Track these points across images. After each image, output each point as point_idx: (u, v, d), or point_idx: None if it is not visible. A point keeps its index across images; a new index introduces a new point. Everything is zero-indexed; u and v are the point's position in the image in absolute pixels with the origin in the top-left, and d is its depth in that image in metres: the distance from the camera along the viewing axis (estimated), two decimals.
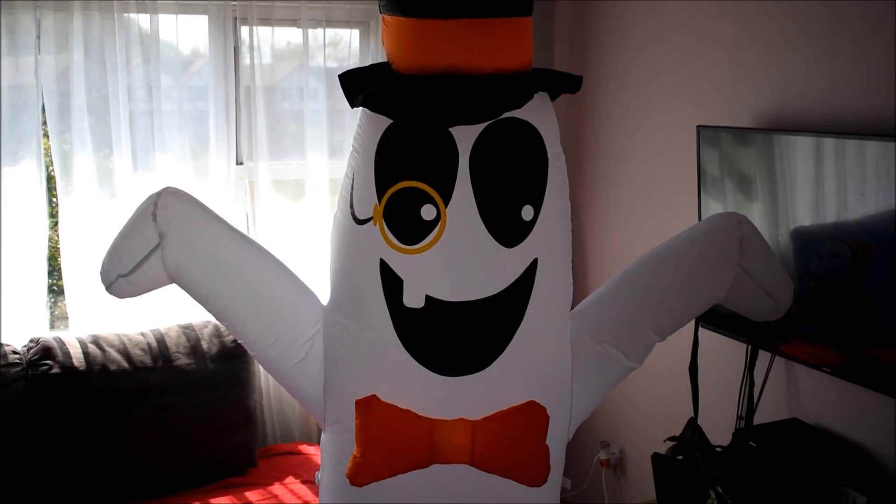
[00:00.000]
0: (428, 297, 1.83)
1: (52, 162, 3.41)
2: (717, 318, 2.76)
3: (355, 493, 1.94)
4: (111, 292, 1.99)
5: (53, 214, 3.52)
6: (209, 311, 1.99)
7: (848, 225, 2.46)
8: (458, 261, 1.82)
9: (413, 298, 1.84)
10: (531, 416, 1.89)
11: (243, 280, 1.95)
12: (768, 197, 2.74)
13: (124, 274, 1.94)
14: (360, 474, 1.88)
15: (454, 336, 1.86)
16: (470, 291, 1.84)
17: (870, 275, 2.37)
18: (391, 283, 1.85)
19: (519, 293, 1.87)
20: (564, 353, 2.00)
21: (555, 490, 2.10)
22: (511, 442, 1.89)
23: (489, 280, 1.84)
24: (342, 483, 1.95)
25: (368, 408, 1.86)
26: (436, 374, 1.87)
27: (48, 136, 3.40)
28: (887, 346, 2.33)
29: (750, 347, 2.57)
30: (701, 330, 2.75)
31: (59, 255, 3.50)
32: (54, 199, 3.48)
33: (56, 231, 3.51)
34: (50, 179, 3.46)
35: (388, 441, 1.87)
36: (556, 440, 1.99)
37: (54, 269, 3.63)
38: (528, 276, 1.87)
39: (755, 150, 2.77)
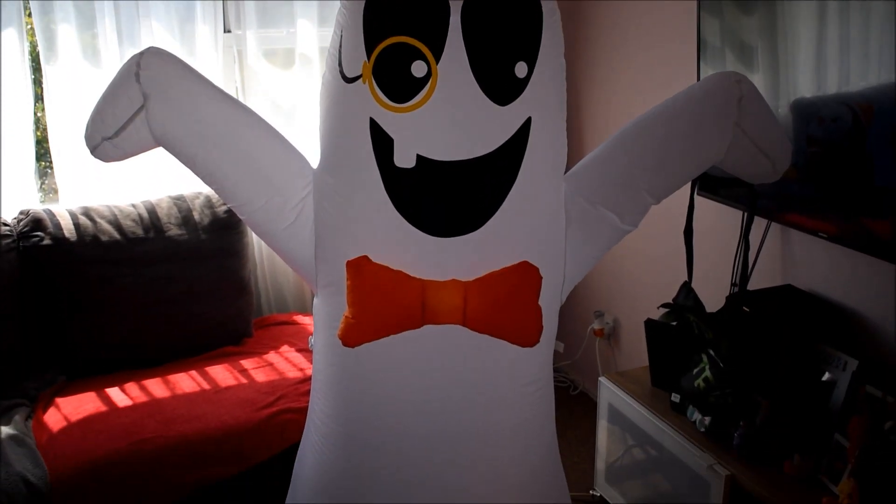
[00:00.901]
0: (419, 157, 1.79)
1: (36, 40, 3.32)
2: (713, 185, 2.73)
3: (347, 354, 1.95)
4: (96, 156, 1.95)
5: (39, 94, 3.43)
6: (197, 174, 1.96)
7: (850, 91, 2.40)
8: (450, 119, 1.78)
9: (404, 158, 1.80)
10: (524, 277, 1.88)
11: (231, 141, 1.91)
12: (769, 67, 2.68)
13: (109, 137, 1.90)
14: (352, 335, 1.88)
15: (446, 196, 1.83)
16: (462, 150, 1.80)
17: (870, 137, 2.33)
18: (381, 143, 1.81)
19: (512, 153, 1.83)
20: (558, 215, 1.97)
21: (548, 352, 2.11)
22: (503, 302, 1.88)
23: (481, 139, 1.80)
24: (334, 345, 1.95)
25: (360, 268, 1.84)
26: (427, 235, 1.85)
27: (31, 15, 3.30)
28: (886, 213, 2.30)
29: (746, 212, 2.54)
30: (697, 197, 2.73)
31: (46, 130, 3.43)
32: (39, 76, 3.40)
33: (42, 107, 3.44)
34: (35, 59, 3.37)
35: (380, 302, 1.86)
36: (549, 302, 1.98)
37: (42, 146, 3.56)
38: (521, 136, 1.83)
39: (757, 18, 2.69)
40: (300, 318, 3.62)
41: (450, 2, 1.73)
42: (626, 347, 3.80)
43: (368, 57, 1.77)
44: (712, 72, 2.88)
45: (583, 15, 3.80)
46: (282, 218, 1.97)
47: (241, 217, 2.04)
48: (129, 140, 1.90)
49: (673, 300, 2.58)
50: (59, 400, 2.94)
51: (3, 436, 2.67)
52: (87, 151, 1.93)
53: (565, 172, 2.01)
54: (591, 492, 3.26)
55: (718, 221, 2.99)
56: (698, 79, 2.93)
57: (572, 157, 2.00)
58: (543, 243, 1.96)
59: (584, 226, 2.01)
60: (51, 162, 3.50)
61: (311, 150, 1.98)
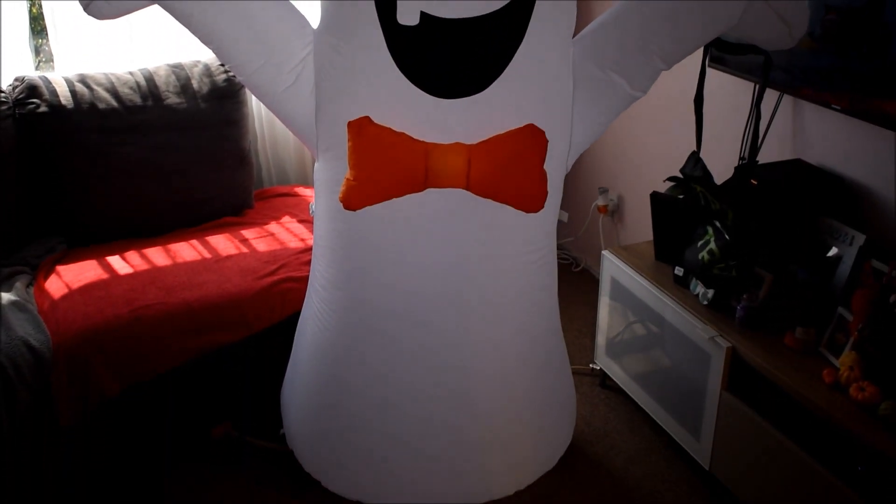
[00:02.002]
0: (423, 14, 1.74)
1: None
2: (725, 52, 2.65)
3: (349, 218, 1.92)
4: (89, 13, 1.88)
5: None
6: (194, 32, 1.90)
7: None
8: None
9: (407, 15, 1.74)
10: (529, 140, 1.84)
11: None
12: None
13: None
14: (354, 197, 1.85)
15: (450, 55, 1.78)
16: (468, 8, 1.74)
17: (890, 5, 2.25)
18: (384, 0, 1.74)
19: (519, 11, 1.77)
20: (566, 78, 1.92)
21: (552, 220, 2.08)
22: (508, 166, 1.85)
23: None
24: (336, 209, 1.93)
25: (361, 129, 1.80)
26: (431, 96, 1.81)
27: None
28: None
29: (758, 83, 2.48)
30: (708, 70, 2.66)
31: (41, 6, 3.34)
32: None
33: None
34: None
35: (382, 163, 1.83)
36: (555, 167, 1.95)
37: (39, 24, 3.47)
38: None
39: None
40: (301, 191, 3.59)
41: None
42: (629, 224, 3.77)
43: None
44: None
45: None
46: (281, 79, 1.92)
47: (239, 79, 1.99)
48: None
49: (681, 170, 2.54)
50: (59, 268, 2.93)
51: (4, 302, 2.67)
52: (83, 15, 1.88)
53: (574, 35, 1.95)
54: (590, 365, 3.28)
55: (729, 94, 2.92)
56: None
57: (581, 20, 1.94)
58: (550, 107, 1.91)
59: (593, 90, 1.96)
60: (46, 37, 3.40)
61: (311, 10, 1.92)
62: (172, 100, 3.22)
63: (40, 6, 3.35)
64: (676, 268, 2.74)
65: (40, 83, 3.10)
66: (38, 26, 3.46)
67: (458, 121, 1.82)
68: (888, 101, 2.30)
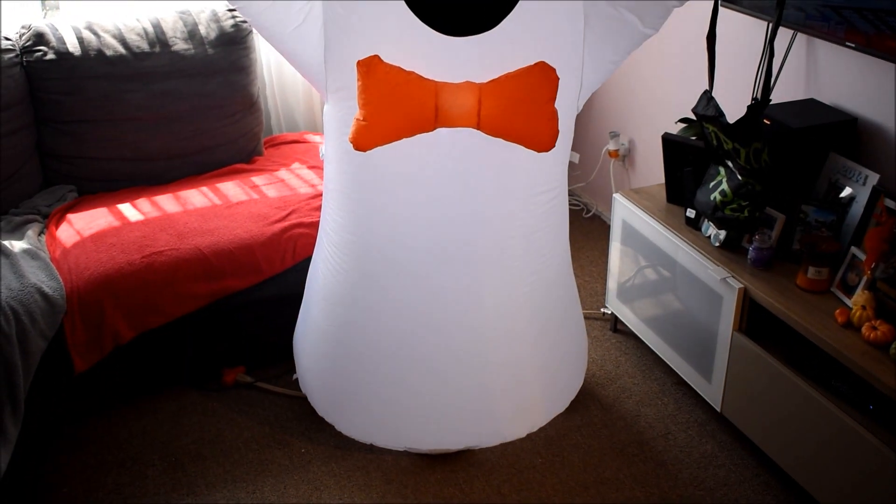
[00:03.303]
0: None
1: None
2: None
3: (359, 160, 1.92)
4: None
5: None
6: None
7: None
8: None
9: None
10: (540, 78, 1.82)
11: None
12: None
13: None
14: (364, 138, 1.84)
15: None
16: None
17: None
18: None
19: None
20: (576, 15, 1.89)
21: (563, 160, 2.07)
22: (519, 104, 1.83)
23: None
24: (346, 151, 1.92)
25: (371, 68, 1.79)
26: (441, 35, 1.78)
27: None
28: None
29: (772, 21, 2.44)
30: (721, 9, 2.62)
31: None
32: None
33: None
34: None
35: (392, 103, 1.81)
36: (566, 106, 1.93)
37: None
38: None
39: None
40: (310, 137, 3.58)
41: None
42: (640, 169, 3.75)
43: None
44: None
45: None
46: (289, 19, 1.90)
47: (247, 19, 1.97)
48: None
49: (692, 110, 2.51)
50: (70, 216, 2.93)
51: (16, 250, 2.68)
52: None
53: None
54: (601, 309, 3.28)
55: (742, 33, 2.89)
56: None
57: None
58: (561, 44, 1.89)
59: (604, 28, 1.94)
60: None
61: None
62: (180, 46, 3.20)
63: None
64: (688, 210, 2.72)
65: (47, 30, 3.09)
66: None
67: (468, 59, 1.80)
68: None
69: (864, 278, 2.28)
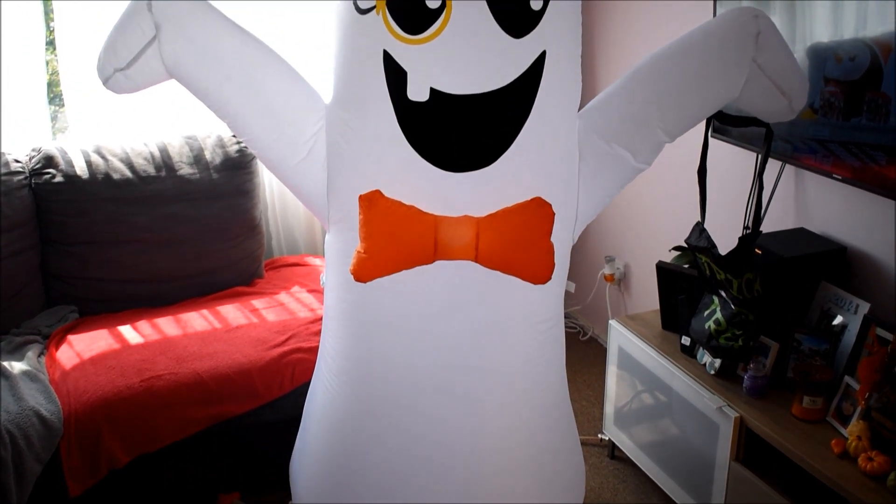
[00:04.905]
0: (432, 90, 1.78)
1: None
2: (727, 125, 2.70)
3: (359, 290, 1.95)
4: (108, 87, 1.93)
5: (51, 40, 3.41)
6: (209, 106, 1.95)
7: (868, 33, 2.37)
8: (464, 51, 1.76)
9: (417, 91, 1.78)
10: (536, 213, 1.87)
11: (243, 73, 1.89)
12: (786, 10, 2.64)
13: (121, 68, 1.88)
14: (364, 270, 1.88)
15: (459, 130, 1.81)
16: (476, 84, 1.78)
17: (887, 76, 2.30)
18: (395, 76, 1.79)
19: (526, 87, 1.81)
20: (572, 151, 1.96)
21: (559, 291, 2.10)
22: (516, 238, 1.87)
23: (496, 72, 1.78)
24: (346, 281, 1.95)
25: (372, 203, 1.84)
26: (440, 170, 1.84)
27: None
28: None
29: (761, 153, 2.52)
30: (711, 140, 2.70)
31: (58, 78, 3.42)
32: (51, 23, 3.37)
33: (55, 55, 3.41)
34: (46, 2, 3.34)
35: (393, 236, 1.86)
36: (562, 238, 1.97)
37: (53, 91, 3.55)
38: (535, 70, 1.81)
39: None
40: (311, 260, 3.63)
41: None
42: (636, 293, 3.79)
43: None
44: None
45: None
46: (294, 152, 1.96)
47: (253, 152, 2.03)
48: (142, 71, 1.88)
49: (685, 241, 2.57)
50: (71, 337, 2.95)
51: (16, 371, 2.69)
52: (100, 86, 1.92)
53: (579, 109, 1.99)
54: (599, 435, 3.27)
55: (732, 164, 2.97)
56: (714, 16, 2.89)
57: (586, 94, 1.98)
58: (556, 180, 1.94)
59: (598, 163, 2.00)
60: (62, 105, 3.48)
61: (323, 84, 1.97)
62: (186, 170, 3.28)
63: (58, 74, 3.43)
64: (683, 337, 2.75)
65: (56, 153, 3.17)
66: (53, 93, 3.53)
67: (467, 193, 1.85)
68: (890, 165, 2.33)
69: (859, 408, 2.29)
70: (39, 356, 2.88)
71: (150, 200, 3.20)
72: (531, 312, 2.02)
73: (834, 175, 2.52)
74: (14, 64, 3.25)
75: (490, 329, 1.99)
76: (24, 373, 2.71)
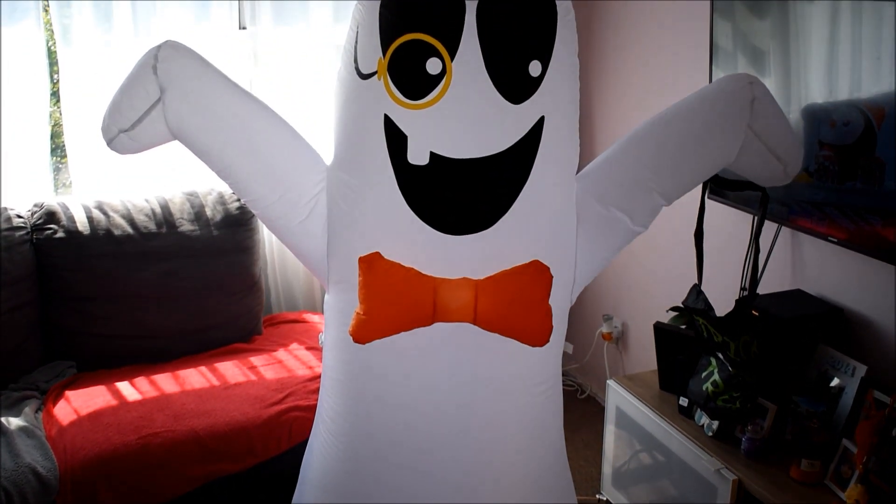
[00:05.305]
0: (432, 154, 1.80)
1: (52, 35, 3.34)
2: (723, 188, 2.72)
3: (358, 351, 1.95)
4: (112, 148, 1.95)
5: (56, 92, 3.46)
6: (212, 167, 1.97)
7: (861, 96, 2.41)
8: (464, 117, 1.78)
9: (417, 155, 1.81)
10: (534, 276, 1.88)
11: (246, 135, 1.92)
12: (781, 71, 2.68)
13: (125, 129, 1.91)
14: (363, 331, 1.88)
15: (458, 194, 1.83)
16: (475, 148, 1.80)
17: (881, 141, 2.33)
18: (395, 140, 1.81)
19: (525, 151, 1.84)
20: (569, 215, 1.98)
21: (557, 353, 2.11)
22: (514, 301, 1.88)
23: (495, 137, 1.80)
24: (345, 341, 1.96)
25: (372, 265, 1.85)
26: (439, 233, 1.85)
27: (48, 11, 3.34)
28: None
29: (756, 216, 2.54)
30: (707, 201, 2.73)
31: (61, 130, 3.45)
32: (55, 75, 3.42)
33: (59, 107, 3.46)
34: (51, 55, 3.39)
35: (392, 298, 1.87)
36: (559, 302, 1.98)
37: (58, 145, 3.58)
38: (534, 134, 1.83)
39: (770, 21, 2.69)
40: (310, 317, 3.63)
41: (465, 0, 1.74)
42: (634, 351, 3.80)
43: (384, 53, 1.78)
44: (724, 75, 2.88)
45: (596, 15, 3.81)
46: (295, 213, 1.98)
47: (254, 212, 2.05)
48: (146, 132, 1.91)
49: (682, 303, 2.58)
50: (68, 393, 2.95)
51: (13, 427, 2.69)
52: (103, 144, 1.94)
53: (577, 172, 2.02)
54: (597, 496, 3.26)
55: (729, 225, 2.99)
56: (710, 81, 2.94)
57: (584, 157, 2.00)
58: (554, 243, 1.96)
59: (595, 226, 2.01)
60: (65, 156, 3.51)
61: (324, 145, 1.99)
62: (186, 227, 3.30)
63: (59, 124, 3.47)
64: (681, 398, 2.75)
65: (58, 209, 3.19)
66: (55, 143, 3.56)
67: (466, 256, 1.87)
68: (885, 228, 2.36)
69: (857, 472, 2.29)
70: (37, 412, 2.88)
71: (150, 257, 3.22)
72: (529, 375, 2.03)
73: (830, 238, 2.54)
74: (18, 116, 3.29)
75: (488, 391, 1.99)
76: (21, 429, 2.70)
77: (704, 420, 2.66)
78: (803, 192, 2.60)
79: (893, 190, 2.32)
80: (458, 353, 1.94)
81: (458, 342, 1.93)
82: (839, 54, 2.47)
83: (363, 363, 1.99)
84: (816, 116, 2.55)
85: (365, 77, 1.83)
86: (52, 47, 3.38)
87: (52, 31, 3.33)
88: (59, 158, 3.65)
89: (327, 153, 1.98)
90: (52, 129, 3.48)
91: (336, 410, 2.11)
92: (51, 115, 3.46)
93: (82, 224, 3.18)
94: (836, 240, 2.52)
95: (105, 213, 3.24)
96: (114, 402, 2.86)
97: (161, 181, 3.49)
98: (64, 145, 3.48)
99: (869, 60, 2.38)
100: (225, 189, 3.44)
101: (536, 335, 1.92)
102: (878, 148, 2.35)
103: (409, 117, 1.80)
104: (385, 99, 1.80)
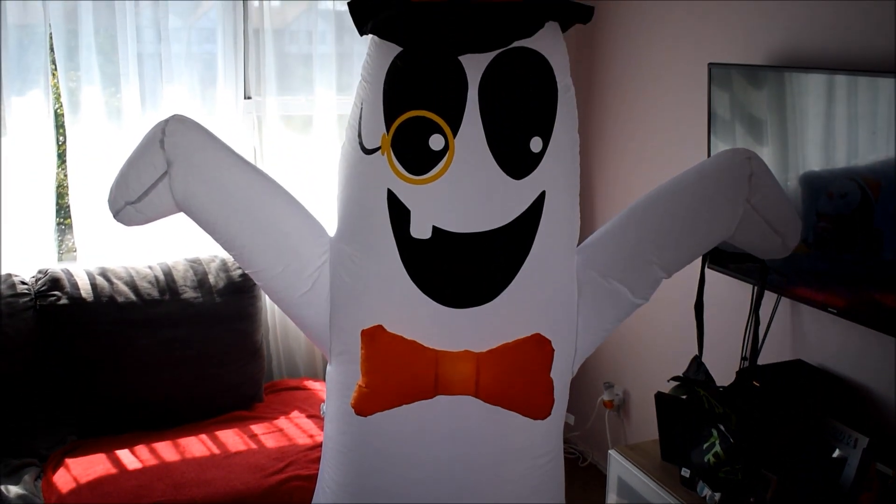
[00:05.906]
0: (435, 228, 1.83)
1: (59, 99, 3.39)
2: (723, 259, 2.75)
3: (360, 423, 1.96)
4: (119, 220, 1.98)
5: (62, 153, 3.50)
6: (216, 240, 1.99)
7: (858, 166, 2.44)
8: (466, 192, 1.81)
9: (420, 229, 1.83)
10: (536, 349, 1.90)
11: (251, 209, 1.94)
12: (778, 141, 2.72)
13: (132, 201, 1.94)
14: (365, 404, 1.89)
15: (460, 268, 1.85)
16: (477, 223, 1.83)
17: (879, 212, 2.36)
18: (398, 214, 1.84)
19: (526, 226, 1.86)
20: (570, 288, 2.00)
21: (558, 424, 2.11)
22: (515, 374, 1.90)
23: (496, 212, 1.83)
24: (347, 413, 1.97)
25: (374, 338, 1.87)
26: (441, 306, 1.87)
27: (56, 75, 3.38)
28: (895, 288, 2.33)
29: (756, 287, 2.56)
30: (707, 270, 2.75)
31: (66, 191, 3.49)
32: (62, 137, 3.47)
33: (64, 169, 3.50)
34: (58, 117, 3.44)
35: (394, 371, 1.88)
36: (561, 374, 1.99)
37: (62, 206, 3.62)
38: (535, 209, 1.86)
39: (766, 92, 2.74)
40: (311, 384, 3.63)
41: (468, 78, 1.78)
42: (635, 419, 3.78)
43: (388, 130, 1.82)
44: (722, 144, 2.92)
45: (595, 88, 3.87)
46: (298, 285, 1.99)
47: (258, 283, 2.07)
48: (152, 205, 1.94)
49: (683, 374, 2.59)
50: (68, 460, 2.94)
51: (12, 495, 2.68)
52: (108, 213, 1.97)
53: (578, 244, 2.04)
54: None
55: (729, 295, 3.00)
56: (708, 151, 2.97)
57: (584, 229, 2.03)
58: (556, 315, 1.98)
59: (596, 298, 2.03)
60: (68, 217, 3.54)
61: (327, 216, 2.02)
62: (189, 294, 3.31)
63: (64, 187, 3.50)
64: (683, 469, 2.74)
65: (62, 276, 3.20)
66: (59, 205, 3.59)
67: (467, 329, 1.88)
68: (884, 293, 2.37)
69: None
70: (36, 480, 2.86)
71: (153, 324, 3.22)
72: (531, 447, 2.03)
73: (829, 308, 2.56)
74: (23, 181, 3.32)
75: (489, 463, 1.99)
76: (20, 497, 2.69)
77: (707, 492, 2.64)
78: (802, 262, 2.62)
79: (890, 260, 2.34)
80: (460, 426, 1.95)
81: (460, 415, 1.93)
82: (835, 126, 2.50)
83: (365, 436, 1.99)
84: (814, 187, 2.58)
85: (369, 152, 1.86)
86: (59, 110, 3.43)
87: (59, 95, 3.38)
88: (62, 219, 3.68)
89: (329, 220, 2.00)
90: (58, 190, 3.51)
91: (337, 482, 2.11)
92: (55, 176, 3.49)
93: (86, 291, 3.19)
94: (835, 310, 2.54)
95: (108, 280, 3.25)
96: (114, 470, 2.85)
97: (165, 247, 3.52)
98: (68, 206, 3.50)
99: (865, 133, 2.42)
100: (228, 256, 3.45)
101: (538, 408, 1.93)
102: (877, 219, 2.38)
103: (411, 192, 1.83)
104: (388, 174, 1.83)
